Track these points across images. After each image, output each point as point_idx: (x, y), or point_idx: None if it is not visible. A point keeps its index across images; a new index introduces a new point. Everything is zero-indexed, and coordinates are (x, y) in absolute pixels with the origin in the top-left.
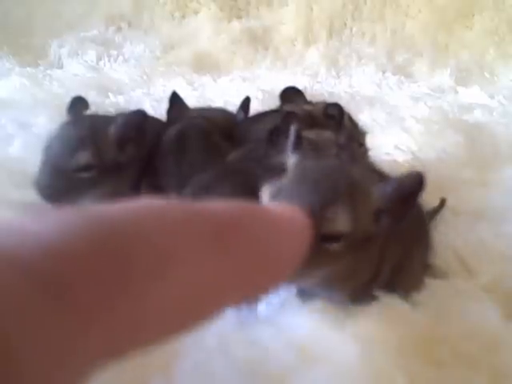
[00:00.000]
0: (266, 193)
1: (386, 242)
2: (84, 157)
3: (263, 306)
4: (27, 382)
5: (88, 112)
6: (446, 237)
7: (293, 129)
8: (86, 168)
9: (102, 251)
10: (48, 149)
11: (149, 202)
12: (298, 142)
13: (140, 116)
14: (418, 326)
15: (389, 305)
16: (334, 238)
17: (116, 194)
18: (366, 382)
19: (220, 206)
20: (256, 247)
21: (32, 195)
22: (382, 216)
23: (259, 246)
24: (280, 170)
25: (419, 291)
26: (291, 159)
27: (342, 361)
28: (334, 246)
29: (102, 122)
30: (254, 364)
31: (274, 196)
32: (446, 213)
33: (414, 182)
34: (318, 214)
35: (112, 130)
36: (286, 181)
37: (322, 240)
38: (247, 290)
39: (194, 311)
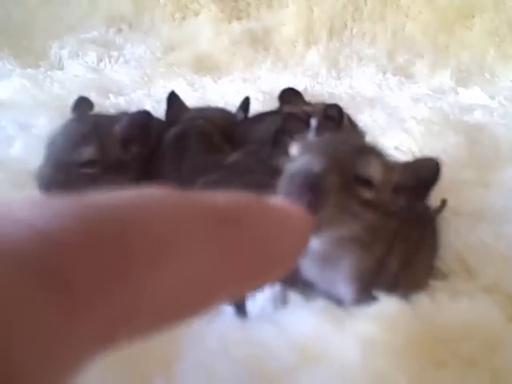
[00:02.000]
0: (294, 148)
1: (399, 226)
2: (88, 152)
3: (254, 301)
4: (25, 373)
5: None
6: (446, 237)
7: (314, 120)
8: (89, 163)
9: (99, 238)
10: (51, 143)
11: (147, 189)
12: (320, 126)
13: (145, 116)
14: (419, 326)
15: (390, 305)
16: (366, 183)
17: None
18: (367, 382)
19: (225, 196)
20: (257, 241)
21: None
22: (399, 192)
23: (260, 240)
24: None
25: (420, 292)
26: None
27: (344, 360)
28: (365, 192)
29: (107, 120)
30: (255, 363)
31: (305, 150)
32: (446, 213)
33: (431, 168)
34: (352, 157)
35: (117, 128)
36: (313, 139)
37: (357, 183)
38: (245, 283)
39: (192, 301)
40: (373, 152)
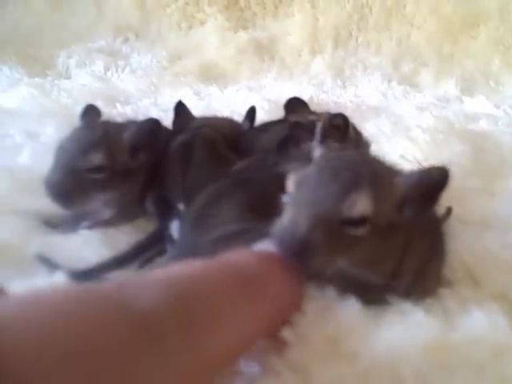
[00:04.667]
0: (291, 182)
1: (409, 237)
2: (97, 158)
3: None
4: None
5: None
6: (452, 246)
7: (319, 124)
8: (98, 169)
9: (178, 307)
10: (61, 148)
11: (199, 264)
12: (325, 135)
13: (154, 125)
14: (430, 332)
15: (403, 310)
16: (357, 222)
17: (123, 201)
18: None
19: (242, 258)
20: (271, 296)
21: (40, 204)
22: (406, 206)
23: (277, 298)
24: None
25: (429, 299)
26: (317, 150)
27: (370, 358)
28: (358, 231)
29: (116, 128)
30: None
31: (298, 185)
32: (451, 222)
33: (439, 175)
34: (338, 201)
35: (126, 136)
36: (309, 170)
37: (347, 225)
38: (267, 329)
39: (234, 350)
40: (364, 182)
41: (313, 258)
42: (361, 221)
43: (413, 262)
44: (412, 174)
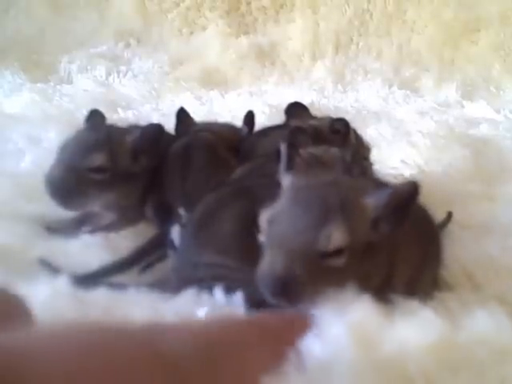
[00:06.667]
0: (263, 220)
1: (394, 248)
2: (99, 158)
3: None
4: None
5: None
6: (452, 251)
7: (283, 147)
8: (99, 170)
9: (206, 358)
10: (63, 148)
11: (224, 319)
12: (291, 160)
13: (157, 130)
14: (436, 331)
15: (408, 309)
16: (334, 254)
17: (122, 204)
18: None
19: (263, 316)
20: (288, 342)
21: (42, 209)
22: (380, 223)
23: (290, 341)
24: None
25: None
26: (285, 180)
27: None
28: (337, 261)
29: (118, 131)
30: None
31: (271, 223)
32: (452, 227)
33: (409, 190)
34: (313, 236)
35: (129, 139)
36: (280, 205)
37: (325, 258)
38: None
39: None
40: (334, 213)
41: (298, 292)
42: (338, 252)
43: (403, 271)
44: (381, 192)
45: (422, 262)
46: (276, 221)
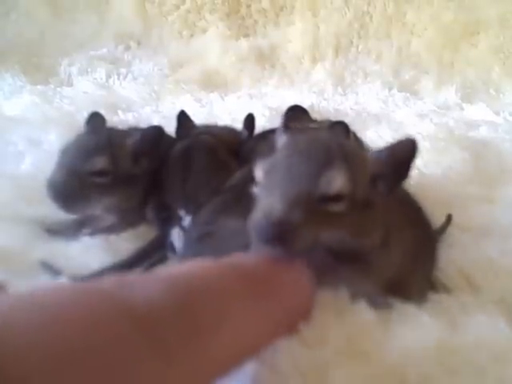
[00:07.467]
0: (259, 169)
1: (387, 213)
2: (100, 162)
3: None
4: None
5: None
6: (451, 253)
7: (282, 118)
8: (101, 173)
9: (181, 306)
10: (64, 152)
11: (202, 264)
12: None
13: (157, 132)
14: (434, 334)
15: (406, 312)
16: (335, 198)
17: (123, 206)
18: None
19: (246, 260)
20: (280, 296)
21: (43, 211)
22: (378, 181)
23: (281, 295)
24: None
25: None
26: (282, 138)
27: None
28: (337, 207)
29: (119, 134)
30: None
31: (268, 172)
32: (452, 229)
33: (407, 148)
34: (313, 179)
35: (129, 142)
36: (278, 155)
37: (324, 202)
38: (275, 332)
39: (241, 353)
40: (337, 159)
41: (295, 237)
42: (339, 197)
43: (400, 242)
44: (381, 149)
45: (415, 261)
46: (274, 169)
